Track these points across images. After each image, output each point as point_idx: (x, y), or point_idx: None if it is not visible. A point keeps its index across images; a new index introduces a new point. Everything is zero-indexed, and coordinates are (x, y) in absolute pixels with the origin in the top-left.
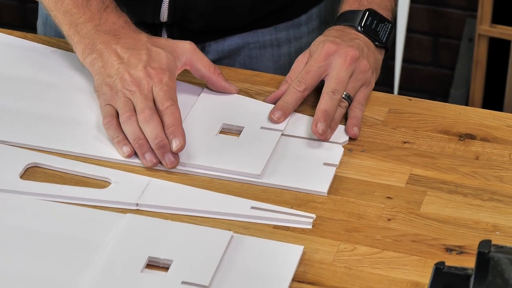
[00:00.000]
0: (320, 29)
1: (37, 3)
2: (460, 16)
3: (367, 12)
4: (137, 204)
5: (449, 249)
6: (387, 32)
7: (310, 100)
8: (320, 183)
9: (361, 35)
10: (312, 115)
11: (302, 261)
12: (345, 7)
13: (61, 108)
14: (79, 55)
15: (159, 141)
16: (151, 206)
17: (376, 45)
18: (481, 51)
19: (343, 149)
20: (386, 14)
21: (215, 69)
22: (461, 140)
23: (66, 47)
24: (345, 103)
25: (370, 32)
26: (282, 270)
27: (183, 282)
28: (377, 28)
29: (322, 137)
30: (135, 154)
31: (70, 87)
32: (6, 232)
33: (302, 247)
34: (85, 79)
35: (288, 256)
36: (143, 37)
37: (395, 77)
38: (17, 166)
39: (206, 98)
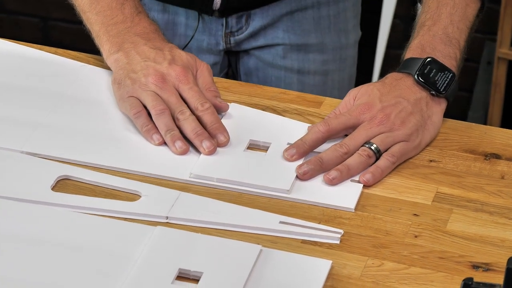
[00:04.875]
0: (329, 20)
1: (58, 20)
2: (478, 39)
3: (427, 60)
4: (167, 217)
5: (475, 266)
6: (447, 82)
7: None
8: (348, 200)
9: (416, 87)
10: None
11: (330, 275)
12: (408, 54)
13: (92, 121)
14: (104, 53)
15: (197, 130)
16: (180, 219)
17: (432, 94)
18: (500, 74)
19: None
20: (449, 63)
21: (211, 87)
22: (487, 160)
23: (95, 62)
24: (367, 152)
25: (427, 81)
26: (310, 284)
27: None
28: (436, 77)
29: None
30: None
31: (99, 101)
32: (37, 244)
33: (330, 261)
34: (111, 96)
35: (316, 270)
36: (170, 43)
37: None
38: (48, 179)
39: (233, 115)
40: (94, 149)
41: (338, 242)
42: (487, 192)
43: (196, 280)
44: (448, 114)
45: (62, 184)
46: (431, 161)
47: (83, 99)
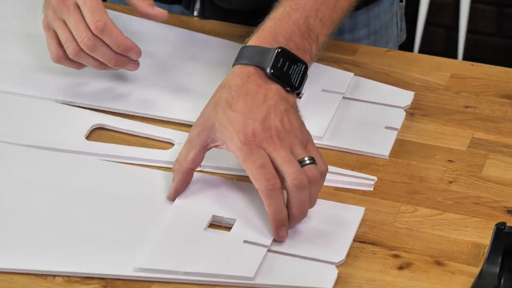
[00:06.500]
0: (369, 39)
1: None
2: None
3: (279, 52)
4: (200, 165)
5: (510, 211)
6: (300, 75)
7: (374, 65)
8: (382, 146)
9: (270, 83)
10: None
11: (363, 222)
12: (258, 39)
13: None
14: None
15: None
16: (214, 167)
17: (287, 91)
18: None
19: (405, 113)
20: (302, 56)
21: None
22: None
23: (130, 13)
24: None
25: (281, 76)
26: (344, 231)
27: (245, 241)
28: (290, 70)
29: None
30: None
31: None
32: (72, 192)
33: (363, 208)
34: (149, 43)
35: (349, 217)
36: None
37: (458, 48)
38: (83, 127)
39: None
40: (128, 96)
41: (371, 189)
42: None
43: (228, 228)
44: (494, 62)
45: (97, 133)
46: (467, 107)
47: None
